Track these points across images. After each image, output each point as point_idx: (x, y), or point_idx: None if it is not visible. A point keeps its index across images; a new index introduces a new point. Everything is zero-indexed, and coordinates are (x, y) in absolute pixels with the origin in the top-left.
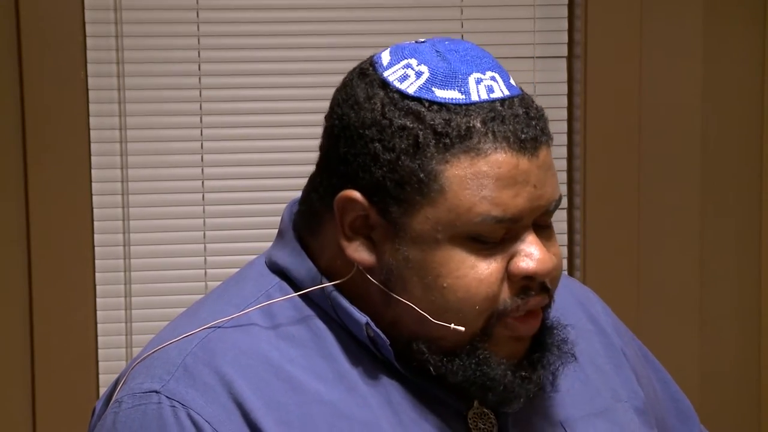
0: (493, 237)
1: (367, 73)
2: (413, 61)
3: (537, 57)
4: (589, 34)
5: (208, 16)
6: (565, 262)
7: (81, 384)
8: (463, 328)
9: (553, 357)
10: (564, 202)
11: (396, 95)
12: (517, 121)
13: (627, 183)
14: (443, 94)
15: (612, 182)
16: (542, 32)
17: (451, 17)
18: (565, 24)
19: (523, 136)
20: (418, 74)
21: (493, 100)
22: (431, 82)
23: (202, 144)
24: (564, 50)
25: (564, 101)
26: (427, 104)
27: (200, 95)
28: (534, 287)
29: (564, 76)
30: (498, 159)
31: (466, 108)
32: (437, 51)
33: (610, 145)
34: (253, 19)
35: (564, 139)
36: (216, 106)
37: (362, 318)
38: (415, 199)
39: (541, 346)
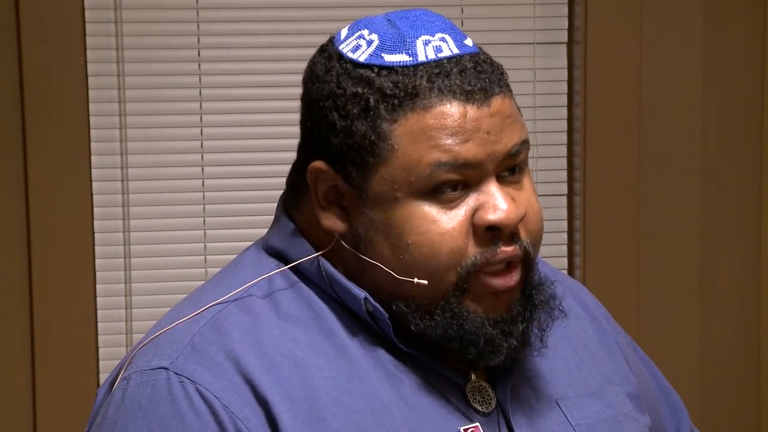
0: (451, 188)
1: (325, 48)
2: (365, 32)
3: (537, 43)
4: (590, 20)
5: (207, 1)
6: (564, 249)
7: (81, 372)
8: (426, 282)
9: (541, 313)
10: (564, 189)
11: (349, 65)
12: (463, 75)
13: (627, 170)
14: (391, 58)
15: (612, 169)
16: (542, 18)
17: (451, 3)
18: (565, 10)
19: (468, 87)
20: (369, 42)
21: (441, 59)
22: (380, 48)
23: (201, 130)
24: (564, 36)
25: (564, 87)
26: (376, 70)
27: (200, 81)
28: (502, 237)
29: (564, 62)
30: (443, 110)
31: (414, 69)
32: (389, 20)
33: (610, 132)
34: (251, 5)
35: (564, 125)
36: (216, 92)
37: (360, 293)
38: (369, 161)
39: (529, 302)
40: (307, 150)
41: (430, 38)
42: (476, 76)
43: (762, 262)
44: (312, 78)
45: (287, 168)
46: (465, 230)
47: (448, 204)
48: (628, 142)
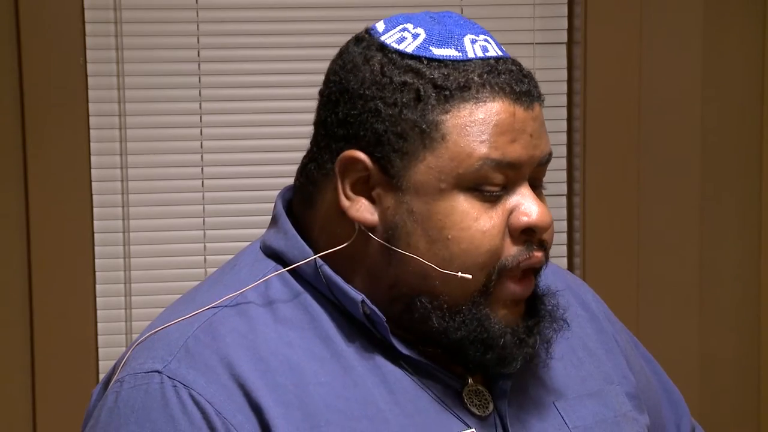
0: (493, 185)
1: (363, 39)
2: (409, 25)
3: (537, 43)
4: (589, 20)
5: (207, 1)
6: (564, 249)
7: (81, 372)
8: (470, 276)
9: (546, 324)
10: (564, 189)
11: (394, 55)
12: (512, 76)
13: (627, 170)
14: (441, 52)
15: (612, 169)
16: (542, 18)
17: (451, 3)
18: (565, 10)
19: (518, 88)
20: (415, 36)
21: (488, 58)
22: (428, 42)
23: (201, 130)
24: (564, 36)
25: (564, 87)
26: (425, 61)
27: (200, 81)
28: (534, 241)
29: (564, 62)
30: (496, 106)
31: (464, 64)
32: (431, 17)
33: (609, 132)
34: (251, 5)
35: (563, 125)
36: (216, 92)
37: (358, 296)
38: (418, 149)
39: (534, 313)
40: (335, 140)
41: (476, 38)
42: (521, 79)
43: (762, 262)
44: (347, 67)
45: (287, 168)
46: (502, 230)
47: (488, 203)
48: (627, 142)
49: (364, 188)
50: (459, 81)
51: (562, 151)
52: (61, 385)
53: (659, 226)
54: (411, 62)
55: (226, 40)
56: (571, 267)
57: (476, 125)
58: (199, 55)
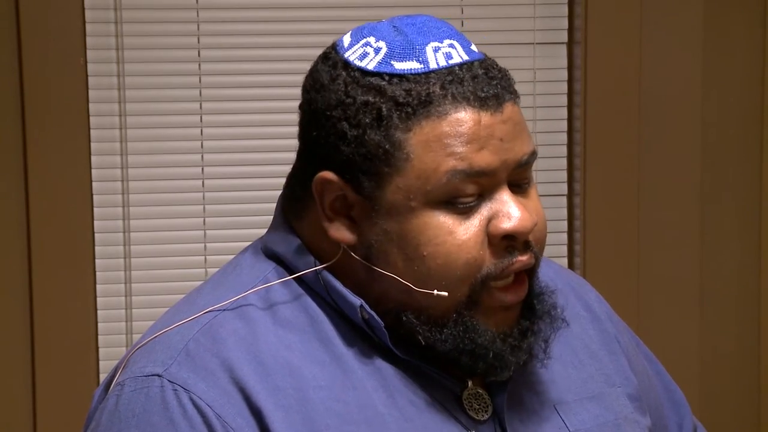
0: (466, 196)
1: (329, 56)
2: (371, 39)
3: (537, 43)
4: (590, 20)
5: (207, 1)
6: (564, 249)
7: (81, 372)
8: (446, 294)
9: (544, 324)
10: (564, 189)
11: (357, 73)
12: (476, 82)
13: (627, 170)
14: (402, 65)
15: (612, 169)
16: (542, 18)
17: (451, 3)
18: (565, 10)
19: (482, 94)
20: (377, 50)
21: (452, 66)
22: (389, 56)
23: (201, 130)
24: (564, 36)
25: (564, 87)
26: (387, 78)
27: (200, 81)
28: (517, 246)
29: (564, 62)
30: (458, 117)
31: (426, 76)
32: (394, 26)
33: (609, 132)
34: (251, 5)
35: (564, 125)
36: (216, 92)
37: (356, 301)
38: (384, 170)
39: (531, 313)
40: (311, 159)
41: (439, 45)
42: (488, 82)
43: (762, 262)
44: (316, 87)
45: (287, 168)
46: (480, 240)
47: (463, 214)
48: (628, 142)
49: (343, 206)
50: (421, 96)
51: (562, 151)
52: (61, 385)
53: (659, 226)
54: (373, 80)
55: (226, 40)
56: (571, 267)
57: (440, 139)
58: (199, 55)
